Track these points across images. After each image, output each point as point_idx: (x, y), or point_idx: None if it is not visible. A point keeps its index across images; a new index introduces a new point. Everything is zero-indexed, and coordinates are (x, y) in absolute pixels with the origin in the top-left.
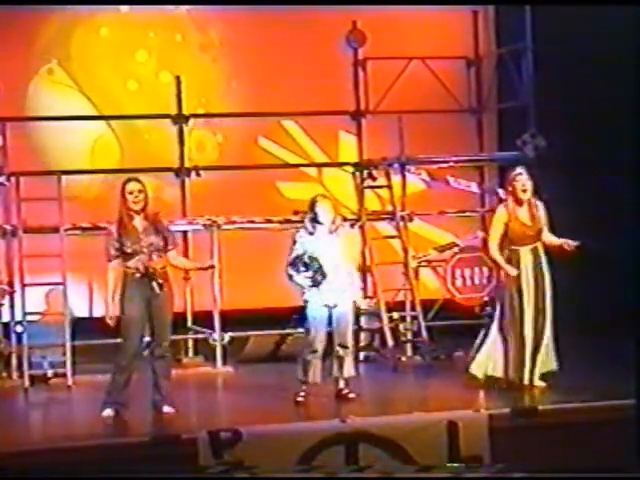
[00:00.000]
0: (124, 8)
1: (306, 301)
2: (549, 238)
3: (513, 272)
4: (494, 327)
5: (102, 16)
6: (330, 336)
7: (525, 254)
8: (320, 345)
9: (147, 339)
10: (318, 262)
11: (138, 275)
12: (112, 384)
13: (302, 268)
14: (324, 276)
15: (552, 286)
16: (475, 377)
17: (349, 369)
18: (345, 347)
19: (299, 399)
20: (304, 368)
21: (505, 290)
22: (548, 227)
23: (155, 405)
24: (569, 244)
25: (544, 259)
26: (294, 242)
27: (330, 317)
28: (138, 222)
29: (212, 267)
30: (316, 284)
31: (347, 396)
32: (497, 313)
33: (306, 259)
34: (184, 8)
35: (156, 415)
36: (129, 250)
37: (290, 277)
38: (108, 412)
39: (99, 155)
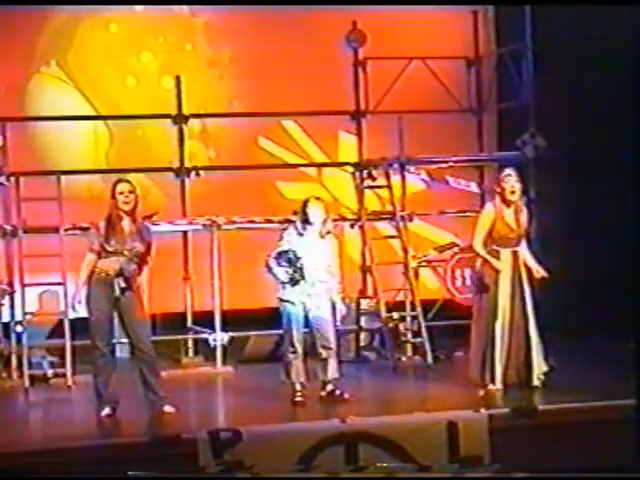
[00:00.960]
0: (139, 7)
1: (281, 300)
2: (525, 251)
3: (499, 266)
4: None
5: (113, 12)
6: (309, 337)
7: (505, 255)
8: (299, 344)
9: (124, 341)
10: (301, 262)
11: (104, 276)
12: (96, 386)
13: (284, 263)
14: (303, 277)
15: (532, 293)
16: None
17: (333, 371)
18: (328, 348)
19: (297, 399)
20: (286, 369)
21: (487, 294)
22: (528, 234)
23: (152, 405)
24: (539, 272)
25: (530, 262)
26: (281, 238)
27: (306, 317)
28: (126, 224)
29: None
30: (293, 282)
31: (342, 396)
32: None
33: (291, 255)
34: (201, 19)
35: (156, 415)
36: (111, 249)
37: (270, 269)
38: (107, 411)
39: (96, 152)
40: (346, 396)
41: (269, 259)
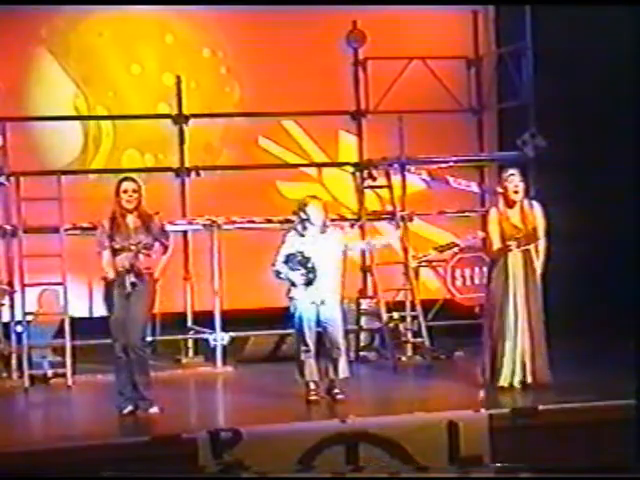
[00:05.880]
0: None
1: (291, 299)
2: (540, 248)
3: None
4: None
5: (175, 21)
6: (320, 336)
7: (513, 255)
8: (312, 343)
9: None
10: (312, 262)
11: (117, 273)
12: (118, 382)
13: (297, 266)
14: (316, 276)
15: (542, 292)
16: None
17: (343, 370)
18: (337, 348)
19: (312, 398)
20: (300, 368)
21: (494, 293)
22: (545, 230)
23: (136, 404)
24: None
25: (536, 262)
26: (283, 241)
27: (318, 315)
28: (131, 220)
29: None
30: (308, 283)
31: (335, 397)
32: (487, 317)
33: (300, 257)
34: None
35: (156, 415)
36: (117, 246)
37: (278, 273)
38: (129, 409)
39: (96, 151)
40: (340, 397)
41: (276, 265)
